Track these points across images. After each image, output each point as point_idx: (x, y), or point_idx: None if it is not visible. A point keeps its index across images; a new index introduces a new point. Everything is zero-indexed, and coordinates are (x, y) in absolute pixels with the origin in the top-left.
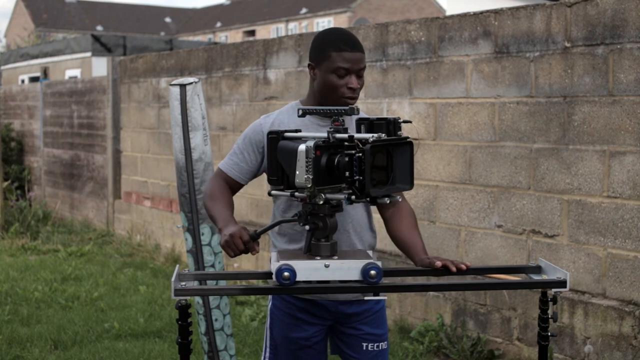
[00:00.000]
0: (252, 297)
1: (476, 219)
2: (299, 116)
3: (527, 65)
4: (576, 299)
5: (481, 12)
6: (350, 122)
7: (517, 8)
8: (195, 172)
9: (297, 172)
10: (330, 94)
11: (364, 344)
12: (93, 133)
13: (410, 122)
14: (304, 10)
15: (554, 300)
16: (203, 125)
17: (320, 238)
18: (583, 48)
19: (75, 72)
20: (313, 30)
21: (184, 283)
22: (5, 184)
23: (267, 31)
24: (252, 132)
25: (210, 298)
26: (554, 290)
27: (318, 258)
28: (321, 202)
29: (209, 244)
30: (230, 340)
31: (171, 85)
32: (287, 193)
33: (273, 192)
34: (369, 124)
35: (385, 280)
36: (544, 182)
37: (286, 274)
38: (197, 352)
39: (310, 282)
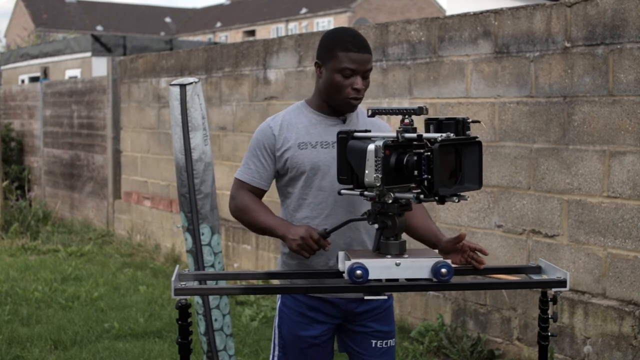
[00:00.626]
0: (252, 297)
1: (476, 219)
2: (368, 116)
3: (527, 65)
4: (576, 299)
5: (481, 12)
6: (356, 121)
7: (517, 8)
8: (195, 172)
9: (367, 172)
10: (334, 93)
11: (373, 341)
12: (93, 133)
13: (479, 121)
14: (304, 10)
15: (554, 300)
16: (203, 125)
17: (389, 237)
18: (583, 48)
19: (75, 72)
20: (313, 30)
21: (184, 283)
22: (5, 184)
23: (267, 31)
24: (262, 136)
25: (210, 298)
26: (554, 290)
27: (389, 256)
28: (390, 201)
29: (209, 244)
30: (229, 340)
31: (171, 85)
32: (357, 192)
33: (343, 191)
34: (438, 124)
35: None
36: (544, 182)
37: (359, 272)
38: (197, 352)
39: (379, 280)
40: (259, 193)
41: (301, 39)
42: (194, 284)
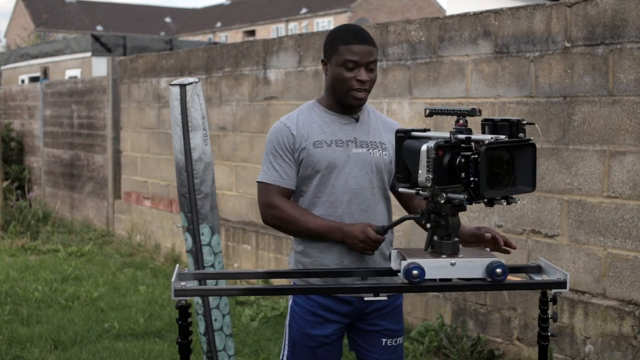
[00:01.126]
0: (252, 297)
1: (476, 219)
2: (425, 116)
3: (527, 65)
4: (576, 299)
5: (481, 12)
6: (367, 119)
7: (517, 8)
8: (195, 172)
9: (420, 171)
10: (339, 87)
11: (383, 340)
12: (93, 133)
13: (533, 124)
14: (304, 10)
15: (554, 300)
16: (203, 125)
17: (443, 236)
18: (583, 48)
19: (75, 72)
20: (313, 30)
21: (184, 283)
22: (5, 184)
23: (267, 31)
24: (281, 136)
25: (210, 298)
26: (554, 290)
27: (443, 256)
28: (442, 201)
29: (209, 244)
30: (229, 341)
31: (171, 85)
32: (413, 191)
33: (400, 189)
34: (493, 125)
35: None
36: (544, 182)
37: (415, 272)
38: (197, 352)
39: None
40: (288, 194)
41: (301, 39)
42: (194, 284)
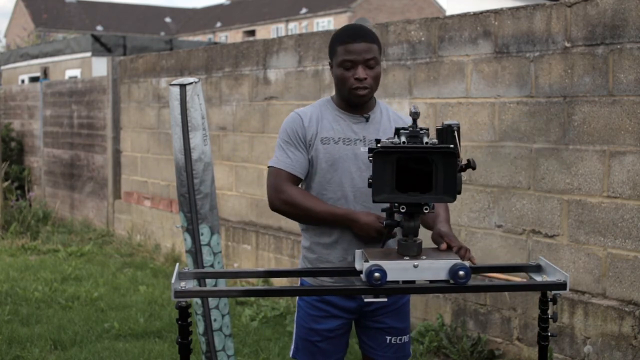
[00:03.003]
0: (252, 297)
1: (476, 219)
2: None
3: (527, 65)
4: (576, 299)
5: (481, 12)
6: (379, 118)
7: (517, 8)
8: (195, 172)
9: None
10: (341, 87)
11: (388, 337)
12: (93, 133)
13: (458, 126)
14: (304, 10)
15: (554, 300)
16: (203, 125)
17: (405, 237)
18: (583, 48)
19: (75, 72)
20: (313, 30)
21: (184, 284)
22: (5, 184)
23: (267, 31)
24: (295, 125)
25: (210, 298)
26: (553, 291)
27: (406, 258)
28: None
29: (209, 244)
30: (228, 341)
31: (171, 85)
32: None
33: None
34: (439, 131)
35: None
36: (544, 182)
37: (377, 274)
38: (197, 352)
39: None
40: (297, 182)
41: (301, 39)
42: (194, 283)
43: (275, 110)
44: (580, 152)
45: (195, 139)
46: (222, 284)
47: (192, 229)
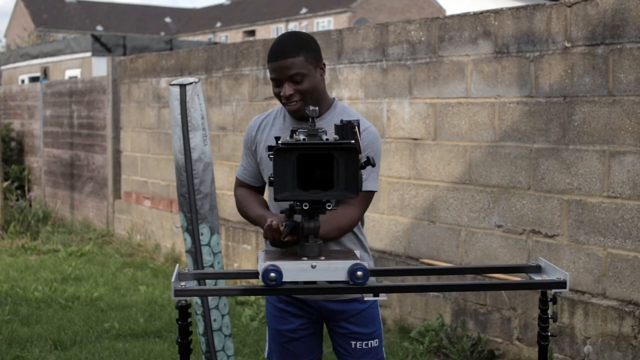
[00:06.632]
0: (252, 297)
1: (476, 219)
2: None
3: (527, 65)
4: (576, 299)
5: (481, 12)
6: (329, 119)
7: (517, 8)
8: (195, 172)
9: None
10: (279, 102)
11: (353, 342)
12: (93, 133)
13: (357, 122)
14: (304, 10)
15: (554, 300)
16: (203, 126)
17: (305, 238)
18: (583, 48)
19: (75, 72)
20: (313, 30)
21: (183, 283)
22: (5, 184)
23: (267, 31)
24: (249, 131)
25: (210, 298)
26: (553, 290)
27: (305, 258)
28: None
29: (208, 244)
30: (228, 341)
31: (171, 85)
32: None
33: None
34: (336, 127)
35: (386, 281)
36: (544, 182)
37: (272, 275)
38: (197, 352)
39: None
40: (255, 189)
41: None
42: (194, 284)
43: None
44: (580, 152)
45: (195, 139)
46: (222, 284)
47: (192, 229)
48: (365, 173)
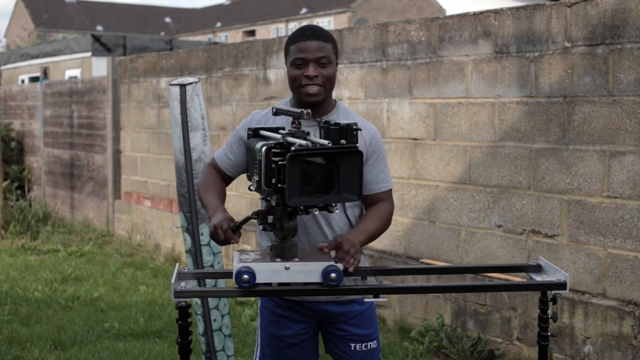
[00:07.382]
0: (252, 298)
1: (476, 219)
2: (272, 114)
3: (527, 65)
4: (576, 299)
5: (481, 12)
6: (335, 119)
7: (517, 8)
8: (195, 172)
9: (255, 171)
10: (293, 87)
11: (352, 345)
12: (93, 133)
13: (359, 130)
14: (304, 10)
15: (554, 300)
16: (202, 126)
17: (279, 239)
18: (583, 48)
19: (75, 72)
20: None
21: (183, 284)
22: (5, 184)
23: (267, 31)
24: (241, 126)
25: (209, 298)
26: (553, 291)
27: (279, 260)
28: (274, 204)
29: (208, 244)
30: (228, 341)
31: (171, 85)
32: (253, 189)
33: (250, 188)
34: (326, 130)
35: (386, 281)
36: (544, 182)
37: (245, 276)
38: (197, 353)
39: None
40: (225, 177)
41: None
42: (194, 284)
43: None
44: (580, 152)
45: (195, 139)
46: (222, 284)
47: (192, 229)
48: (383, 173)
